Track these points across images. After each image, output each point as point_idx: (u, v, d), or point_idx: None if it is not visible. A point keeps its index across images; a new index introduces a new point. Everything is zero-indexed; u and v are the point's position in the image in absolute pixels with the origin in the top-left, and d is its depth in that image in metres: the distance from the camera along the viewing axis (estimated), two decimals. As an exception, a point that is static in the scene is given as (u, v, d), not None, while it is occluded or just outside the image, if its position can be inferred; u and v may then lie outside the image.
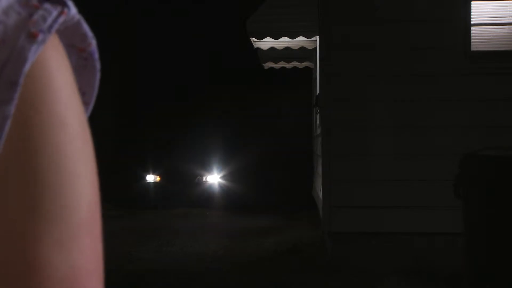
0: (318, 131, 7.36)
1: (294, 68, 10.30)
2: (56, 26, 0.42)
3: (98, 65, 0.48)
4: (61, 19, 0.43)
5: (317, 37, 6.85)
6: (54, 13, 0.42)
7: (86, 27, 0.46)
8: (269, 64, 9.76)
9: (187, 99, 14.65)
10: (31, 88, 0.41)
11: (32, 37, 0.40)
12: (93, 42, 0.47)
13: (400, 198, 5.60)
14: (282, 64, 9.85)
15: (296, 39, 7.49)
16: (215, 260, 6.34)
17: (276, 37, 7.27)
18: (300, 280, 5.32)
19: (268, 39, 7.37)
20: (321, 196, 6.39)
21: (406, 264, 5.40)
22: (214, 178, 12.67)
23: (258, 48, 8.30)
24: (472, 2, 5.59)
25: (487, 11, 5.66)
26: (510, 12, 5.67)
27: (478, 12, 5.63)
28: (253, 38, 7.48)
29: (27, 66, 0.40)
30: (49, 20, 0.42)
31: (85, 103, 0.48)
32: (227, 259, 6.37)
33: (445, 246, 5.40)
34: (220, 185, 12.51)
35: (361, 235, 5.65)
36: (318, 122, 7.84)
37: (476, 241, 4.04)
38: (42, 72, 0.41)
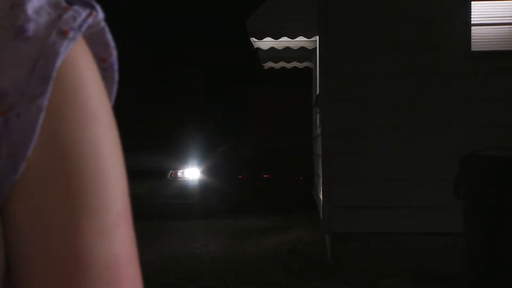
0: (318, 131, 7.35)
1: (294, 68, 10.29)
2: (86, 26, 0.44)
3: (116, 76, 0.49)
4: (90, 20, 0.45)
5: (317, 37, 6.84)
6: (83, 14, 0.44)
7: (109, 36, 0.48)
8: (269, 64, 9.75)
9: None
10: (65, 84, 0.42)
11: (63, 34, 0.42)
12: (114, 53, 0.48)
13: (400, 198, 5.59)
14: (282, 64, 9.83)
15: (296, 39, 7.48)
16: (215, 260, 6.34)
17: (276, 37, 7.26)
18: (300, 280, 5.32)
19: (268, 39, 7.37)
20: (321, 196, 6.39)
21: (406, 264, 5.40)
22: (192, 173, 9.86)
23: (258, 48, 8.30)
24: (472, 2, 5.58)
25: (487, 11, 5.66)
26: (510, 12, 5.67)
27: (478, 12, 5.62)
28: (253, 38, 7.48)
29: (59, 61, 0.42)
30: (79, 20, 0.44)
31: None
32: (227, 259, 6.37)
33: (445, 246, 5.40)
34: (201, 182, 9.85)
35: (361, 235, 5.65)
36: (318, 122, 7.83)
37: (476, 241, 4.04)
38: (74, 69, 0.43)
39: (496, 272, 3.92)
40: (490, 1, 5.69)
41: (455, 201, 4.17)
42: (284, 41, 7.82)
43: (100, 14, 0.46)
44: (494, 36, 5.66)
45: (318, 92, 6.96)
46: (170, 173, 9.58)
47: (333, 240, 5.72)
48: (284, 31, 7.22)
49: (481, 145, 4.41)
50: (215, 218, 9.37)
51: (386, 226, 5.59)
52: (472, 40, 5.57)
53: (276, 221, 8.82)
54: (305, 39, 7.47)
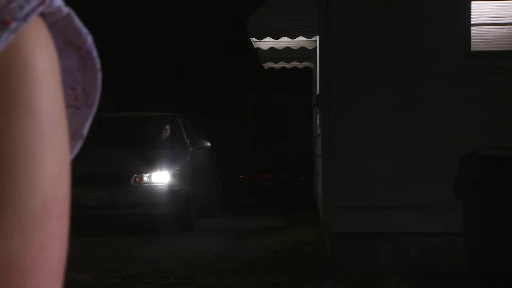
0: (318, 131, 7.36)
1: (294, 68, 10.30)
2: (33, 15, 0.41)
3: (97, 64, 0.47)
4: (40, 9, 0.41)
5: (317, 37, 6.84)
6: (34, 2, 0.41)
7: (78, 22, 0.45)
8: (269, 64, 9.76)
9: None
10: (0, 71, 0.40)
11: (4, 25, 0.39)
12: (89, 39, 0.46)
13: (400, 198, 5.59)
14: (282, 64, 9.84)
15: (296, 39, 7.48)
16: (215, 260, 6.34)
17: (276, 37, 7.27)
18: (300, 280, 5.32)
19: (268, 39, 7.37)
20: (321, 196, 6.40)
21: (406, 264, 5.40)
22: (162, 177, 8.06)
23: (258, 48, 8.30)
24: (472, 2, 5.59)
25: (487, 11, 5.66)
26: (510, 12, 5.67)
27: (478, 12, 5.63)
28: (253, 38, 7.48)
29: None
30: (26, 9, 0.40)
31: (89, 105, 0.47)
32: (227, 259, 6.37)
33: (445, 246, 5.40)
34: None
35: (361, 235, 5.65)
36: (318, 122, 7.84)
37: (476, 241, 4.04)
38: (14, 56, 0.41)
39: (496, 272, 3.92)
40: (490, 1, 5.69)
41: (455, 201, 4.18)
42: (284, 41, 7.83)
43: (57, 2, 0.43)
44: (494, 36, 5.66)
45: (318, 92, 6.96)
46: (134, 177, 7.99)
47: (333, 240, 5.72)
48: (284, 31, 7.22)
49: (481, 145, 4.42)
50: (214, 218, 9.37)
51: (386, 226, 5.59)
52: (472, 40, 5.57)
53: (276, 221, 8.82)
54: (305, 39, 7.48)
